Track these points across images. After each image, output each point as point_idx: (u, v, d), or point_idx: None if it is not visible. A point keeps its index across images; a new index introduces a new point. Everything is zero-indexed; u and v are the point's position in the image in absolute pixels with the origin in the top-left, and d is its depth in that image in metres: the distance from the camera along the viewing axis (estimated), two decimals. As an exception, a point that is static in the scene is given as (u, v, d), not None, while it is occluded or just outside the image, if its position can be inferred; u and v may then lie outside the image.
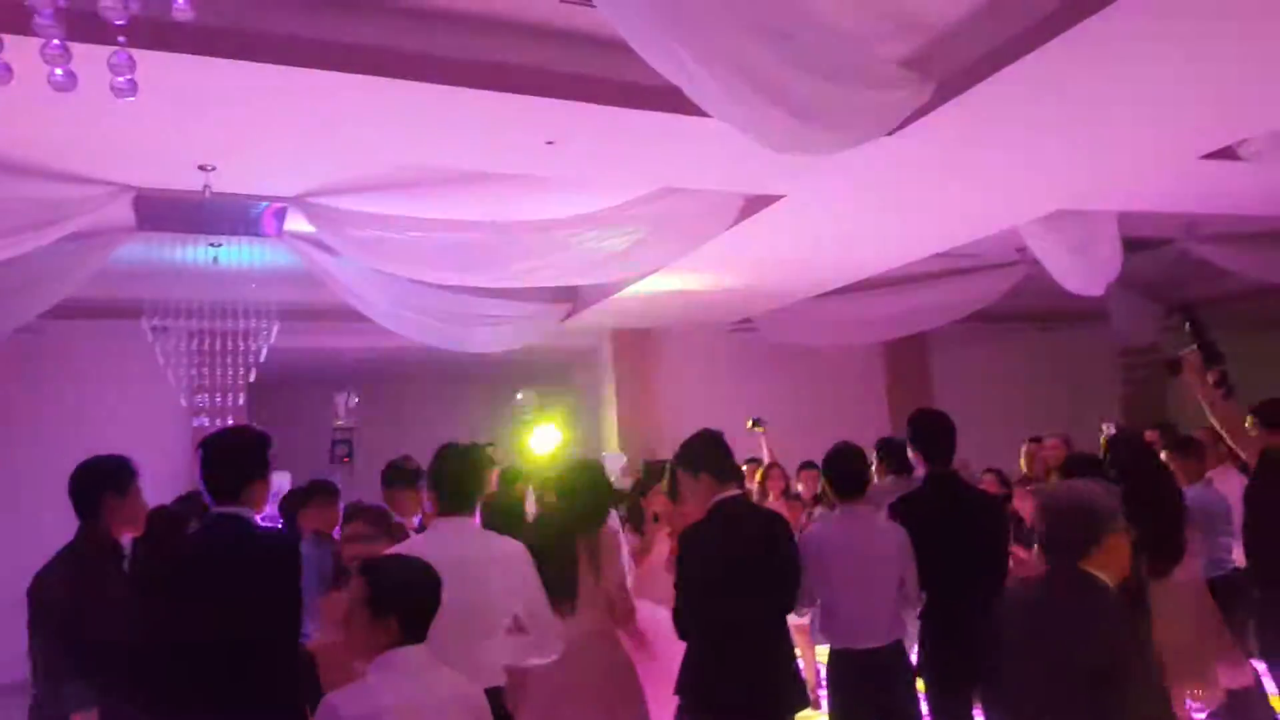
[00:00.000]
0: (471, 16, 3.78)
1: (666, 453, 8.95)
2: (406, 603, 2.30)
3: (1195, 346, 3.91)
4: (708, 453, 3.38)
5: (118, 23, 2.21)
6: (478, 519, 3.34)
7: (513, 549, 3.06)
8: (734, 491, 3.35)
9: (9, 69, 2.22)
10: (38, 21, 2.15)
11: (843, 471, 3.52)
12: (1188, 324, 4.09)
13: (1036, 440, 6.20)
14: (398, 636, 2.26)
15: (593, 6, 3.17)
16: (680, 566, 3.31)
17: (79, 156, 4.73)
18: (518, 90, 3.89)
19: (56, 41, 2.21)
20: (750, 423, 7.06)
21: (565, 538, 3.53)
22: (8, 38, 2.26)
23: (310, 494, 4.65)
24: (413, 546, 2.98)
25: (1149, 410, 10.06)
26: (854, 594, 3.33)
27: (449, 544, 2.85)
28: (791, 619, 3.39)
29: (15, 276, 5.61)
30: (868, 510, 3.52)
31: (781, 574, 3.26)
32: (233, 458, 2.75)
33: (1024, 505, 5.07)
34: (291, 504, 4.73)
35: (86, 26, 2.39)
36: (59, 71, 2.28)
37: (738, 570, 3.18)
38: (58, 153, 4.65)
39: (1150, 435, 5.12)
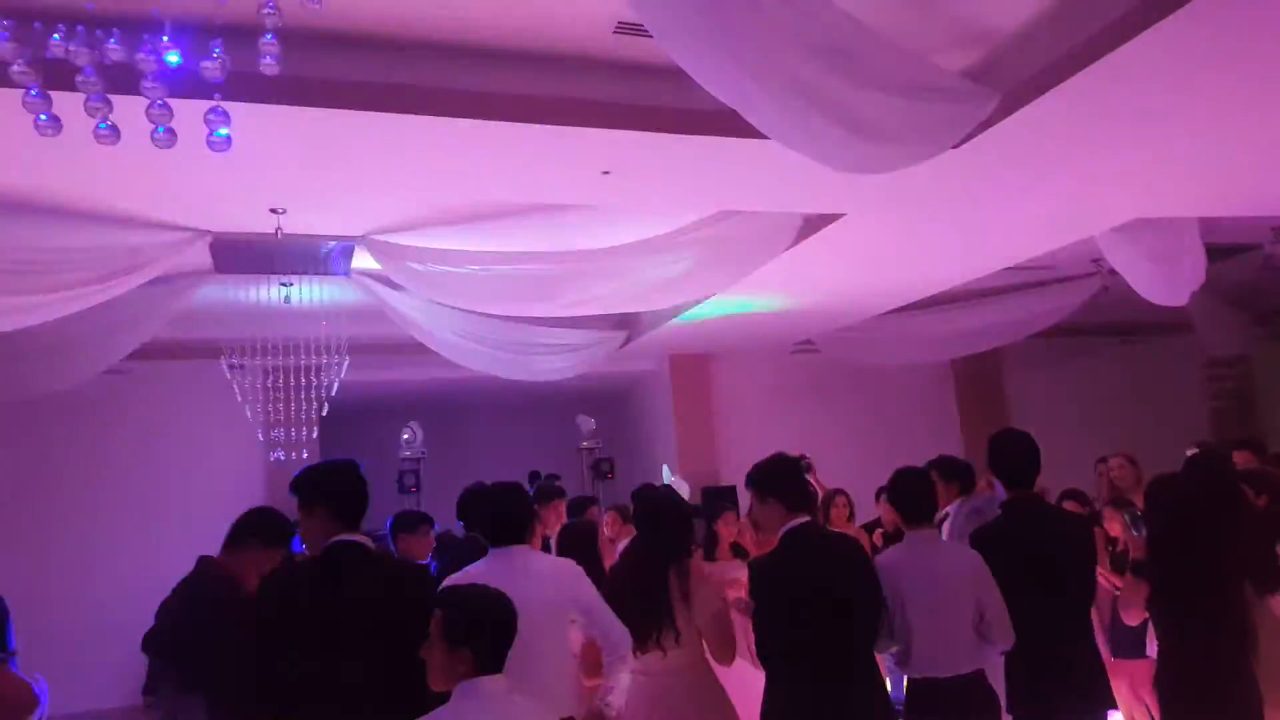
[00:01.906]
0: (526, 53, 3.83)
1: (728, 478, 8.91)
2: (479, 634, 2.30)
3: None
4: (777, 478, 3.31)
5: (216, 81, 2.30)
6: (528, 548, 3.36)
7: (562, 563, 3.14)
8: (803, 519, 3.27)
9: (116, 130, 2.32)
10: (145, 85, 2.24)
11: (909, 496, 3.41)
12: (1255, 330, 3.89)
13: (1104, 460, 5.97)
14: (473, 666, 2.27)
15: (647, 35, 3.17)
16: (755, 597, 3.24)
17: (161, 204, 4.93)
18: (573, 123, 3.92)
19: (161, 102, 2.30)
20: None
21: (655, 568, 3.46)
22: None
23: (408, 524, 4.81)
24: (468, 575, 3.00)
25: (1237, 424, 9.60)
26: (930, 622, 3.20)
27: (503, 572, 2.87)
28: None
29: (104, 320, 5.85)
30: (935, 535, 3.41)
31: (864, 598, 3.17)
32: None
33: (1114, 526, 4.86)
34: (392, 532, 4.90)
35: (183, 84, 2.48)
36: (161, 129, 2.38)
37: (816, 598, 3.09)
38: (143, 201, 4.85)
39: (1239, 456, 4.86)
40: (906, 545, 3.40)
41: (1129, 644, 4.51)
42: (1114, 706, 3.46)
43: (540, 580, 3.07)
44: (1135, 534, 3.66)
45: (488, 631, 2.31)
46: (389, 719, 2.52)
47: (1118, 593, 3.74)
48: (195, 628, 2.99)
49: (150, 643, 3.10)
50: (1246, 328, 9.00)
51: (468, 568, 3.14)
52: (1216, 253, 7.00)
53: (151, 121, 2.31)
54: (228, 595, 3.07)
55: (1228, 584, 3.29)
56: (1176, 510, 3.36)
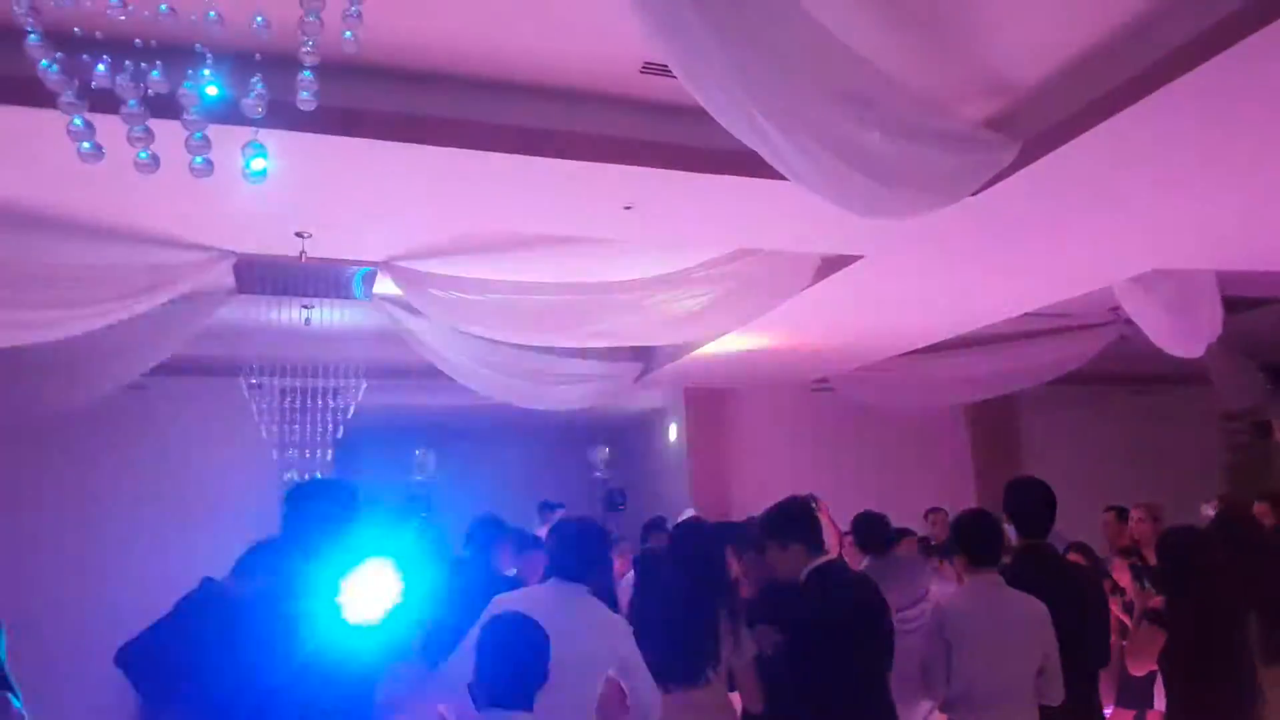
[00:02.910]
0: (550, 88, 3.91)
1: (739, 513, 8.87)
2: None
3: None
4: (798, 522, 3.31)
5: (256, 116, 2.36)
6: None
7: (616, 618, 3.07)
8: (829, 558, 3.28)
9: (156, 159, 2.38)
10: (186, 119, 2.30)
11: (975, 537, 3.37)
12: (1270, 383, 3.90)
13: (1113, 510, 5.92)
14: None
15: (672, 76, 3.24)
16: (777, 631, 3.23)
17: (186, 225, 5.02)
18: (595, 159, 3.99)
19: (201, 134, 2.36)
20: None
21: (701, 606, 3.40)
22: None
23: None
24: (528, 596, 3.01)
25: (1253, 478, 9.49)
26: (990, 670, 3.14)
27: (562, 604, 2.88)
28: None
29: (125, 336, 5.94)
30: (999, 579, 3.35)
31: (887, 636, 3.18)
32: None
33: (1122, 576, 4.82)
34: None
35: (220, 110, 2.54)
36: (199, 160, 2.43)
37: (841, 634, 3.10)
38: (168, 221, 4.94)
39: (1260, 509, 4.82)
40: (970, 589, 3.35)
41: (1135, 694, 4.47)
42: None
43: (591, 627, 3.01)
44: (1142, 587, 3.64)
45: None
46: None
47: (1124, 643, 3.70)
48: (183, 647, 2.84)
49: (123, 656, 2.92)
50: (1263, 382, 8.93)
51: (526, 589, 3.10)
52: (1234, 305, 6.98)
53: (190, 153, 2.36)
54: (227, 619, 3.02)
55: (1241, 639, 3.25)
56: (1195, 563, 3.34)
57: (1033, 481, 3.59)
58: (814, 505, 3.71)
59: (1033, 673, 3.12)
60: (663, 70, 3.63)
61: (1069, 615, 3.28)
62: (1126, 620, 4.41)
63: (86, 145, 2.18)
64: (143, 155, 2.29)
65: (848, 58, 3.15)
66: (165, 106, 2.38)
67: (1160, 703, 3.79)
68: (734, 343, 7.41)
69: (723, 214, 4.75)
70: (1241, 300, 7.27)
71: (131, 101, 2.17)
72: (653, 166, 4.05)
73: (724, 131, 3.28)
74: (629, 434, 11.76)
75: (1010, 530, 3.51)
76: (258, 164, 2.49)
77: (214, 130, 2.53)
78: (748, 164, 3.78)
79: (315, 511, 2.84)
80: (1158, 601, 3.49)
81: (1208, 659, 3.24)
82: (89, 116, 2.26)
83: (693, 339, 7.23)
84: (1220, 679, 3.20)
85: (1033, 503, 3.47)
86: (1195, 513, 5.89)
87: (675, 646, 3.23)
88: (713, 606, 3.39)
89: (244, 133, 2.59)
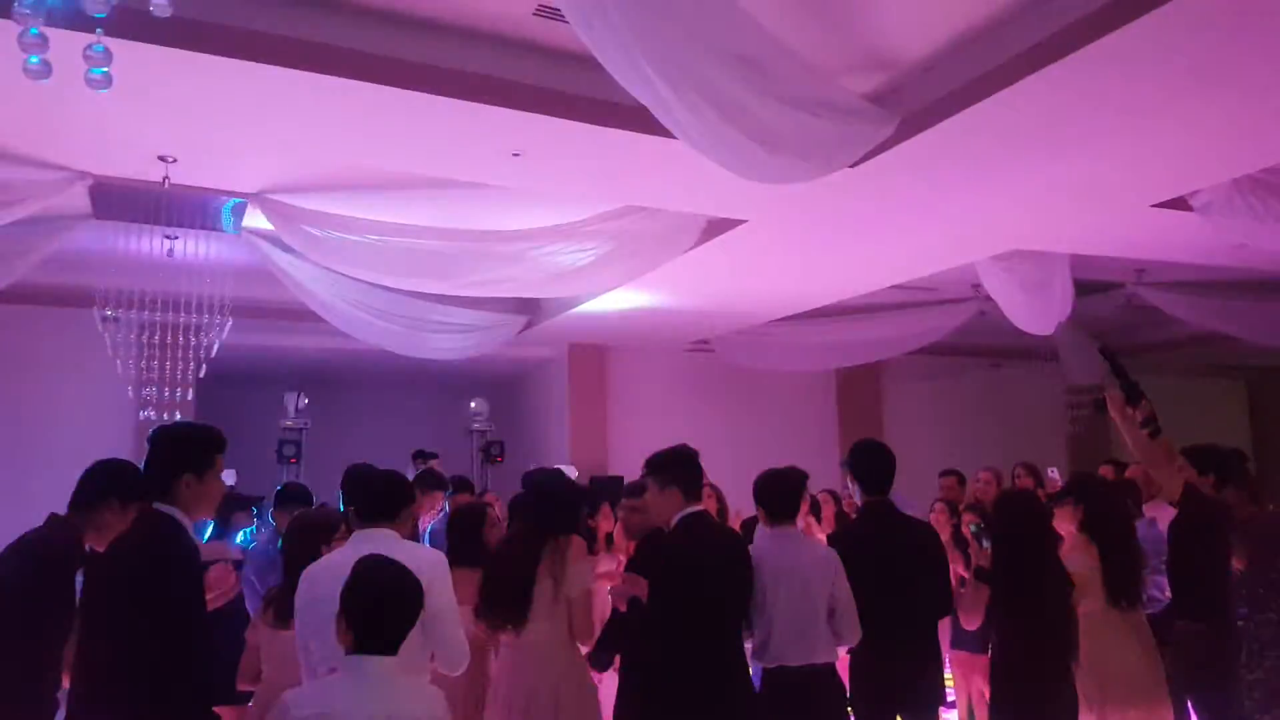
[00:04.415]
0: (443, 24, 3.79)
1: (616, 468, 8.98)
2: (350, 606, 2.28)
3: (1118, 386, 4.05)
4: (680, 466, 3.39)
5: (98, 15, 2.17)
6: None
7: (425, 552, 3.05)
8: (699, 508, 3.37)
9: None
10: (17, 10, 2.10)
11: (775, 495, 3.54)
12: (1108, 364, 4.25)
13: (954, 474, 6.33)
14: (353, 642, 2.25)
15: (565, 21, 3.19)
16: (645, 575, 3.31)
17: (35, 140, 4.63)
18: (486, 100, 3.90)
19: (35, 30, 2.16)
20: None
21: (531, 543, 3.50)
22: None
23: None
24: (332, 558, 2.91)
25: (1093, 447, 10.30)
26: (788, 612, 3.35)
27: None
28: None
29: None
30: (796, 531, 3.58)
31: (740, 593, 3.31)
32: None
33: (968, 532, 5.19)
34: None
35: (62, 12, 2.34)
36: (35, 60, 2.22)
37: (698, 586, 3.20)
38: (14, 134, 4.55)
39: (1105, 470, 5.26)
40: (772, 538, 3.52)
41: (971, 640, 4.84)
42: (947, 705, 3.69)
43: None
44: (981, 545, 3.91)
45: (357, 605, 2.29)
46: None
47: (961, 591, 3.99)
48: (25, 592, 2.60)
49: None
50: (1101, 361, 9.65)
51: (331, 554, 3.01)
52: (1085, 288, 7.51)
53: (24, 50, 2.16)
54: (70, 556, 2.84)
55: (1054, 592, 3.56)
56: (1015, 523, 3.62)
57: (875, 444, 3.83)
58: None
59: (824, 613, 3.35)
60: (557, 14, 3.58)
61: (907, 564, 3.53)
62: (966, 574, 4.73)
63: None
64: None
65: (740, 19, 3.19)
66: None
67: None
68: (618, 300, 7.45)
69: (611, 168, 4.75)
70: (1092, 283, 7.82)
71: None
72: (541, 113, 3.99)
73: (616, 84, 3.27)
74: (511, 386, 11.68)
75: (855, 489, 3.73)
76: (98, 69, 2.29)
77: (63, 38, 2.34)
78: (639, 119, 3.79)
79: (173, 456, 2.70)
80: (984, 559, 3.78)
81: (1020, 610, 3.53)
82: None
83: (576, 294, 7.22)
84: (1033, 627, 3.50)
85: (876, 464, 3.70)
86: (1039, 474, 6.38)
87: (492, 577, 3.45)
88: (540, 543, 3.47)
89: (93, 39, 2.39)
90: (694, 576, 3.22)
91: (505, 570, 3.49)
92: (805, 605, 3.34)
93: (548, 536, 3.50)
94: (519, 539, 3.62)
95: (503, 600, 3.45)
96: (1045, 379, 10.84)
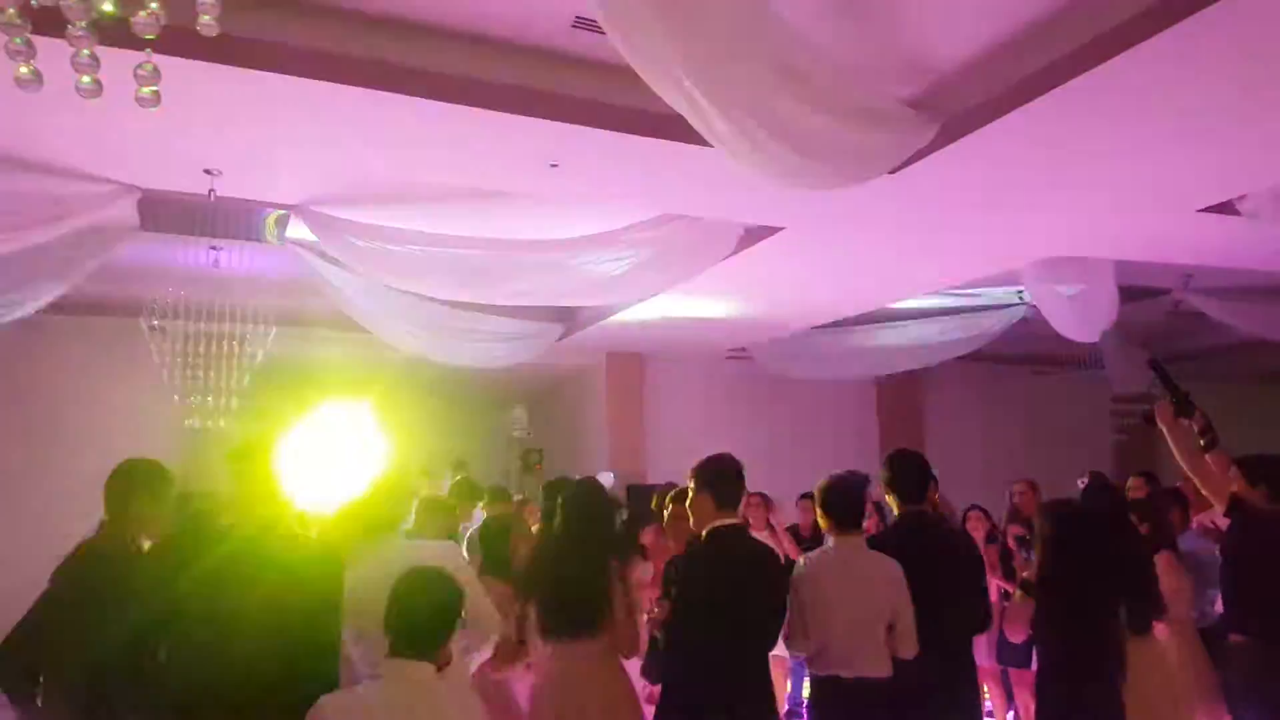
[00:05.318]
0: (482, 37, 3.83)
1: (654, 477, 8.96)
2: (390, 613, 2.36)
3: (1168, 397, 3.96)
4: (717, 475, 3.37)
5: (149, 37, 2.23)
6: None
7: (442, 548, 3.18)
8: (730, 520, 3.35)
9: (40, 76, 2.24)
10: (71, 32, 2.16)
11: (842, 504, 3.50)
12: (1156, 375, 4.15)
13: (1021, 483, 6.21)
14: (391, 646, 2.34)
15: (602, 32, 3.20)
16: (668, 593, 3.32)
17: (87, 154, 4.75)
18: (524, 112, 3.93)
19: (88, 52, 2.21)
20: None
21: (596, 562, 3.53)
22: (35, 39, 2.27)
23: None
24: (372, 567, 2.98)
25: (1139, 459, 10.07)
26: (848, 626, 3.32)
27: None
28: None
29: (17, 270, 5.62)
30: (861, 542, 3.51)
31: (768, 604, 3.26)
32: None
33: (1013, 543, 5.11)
34: None
35: (114, 32, 2.40)
36: (86, 80, 2.27)
37: (728, 600, 3.17)
38: (65, 150, 4.67)
39: (1135, 482, 5.15)
40: (837, 547, 3.47)
41: (1017, 654, 4.75)
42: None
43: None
44: (1024, 556, 3.84)
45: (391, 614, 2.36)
46: None
47: (1005, 605, 3.91)
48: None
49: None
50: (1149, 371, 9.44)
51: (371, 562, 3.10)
52: (1130, 294, 7.36)
53: (77, 71, 2.22)
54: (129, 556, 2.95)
55: (1106, 609, 3.47)
56: (1065, 534, 3.54)
57: (910, 454, 3.78)
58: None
59: (884, 627, 3.31)
60: (594, 26, 3.59)
61: (944, 576, 3.46)
62: (1010, 587, 4.66)
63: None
64: (25, 71, 2.14)
65: (778, 28, 3.17)
66: (52, 22, 2.24)
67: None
68: (656, 308, 7.45)
69: (649, 177, 4.76)
70: (1138, 290, 7.65)
71: (10, 10, 2.03)
72: (578, 123, 4.01)
73: (652, 93, 3.28)
74: (550, 395, 11.73)
75: (892, 499, 3.68)
76: (149, 89, 2.34)
77: (113, 55, 2.39)
78: (676, 128, 3.78)
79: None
80: (1030, 572, 3.70)
81: (1070, 626, 3.44)
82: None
83: (614, 302, 7.24)
84: (1082, 645, 3.40)
85: (911, 474, 3.65)
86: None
87: (555, 595, 3.45)
88: (603, 564, 3.52)
89: (142, 58, 2.44)
90: (710, 590, 3.18)
91: (573, 588, 3.50)
92: (865, 618, 3.31)
93: (611, 555, 3.55)
94: (579, 555, 3.58)
95: (573, 610, 3.47)
96: (1089, 387, 10.62)
